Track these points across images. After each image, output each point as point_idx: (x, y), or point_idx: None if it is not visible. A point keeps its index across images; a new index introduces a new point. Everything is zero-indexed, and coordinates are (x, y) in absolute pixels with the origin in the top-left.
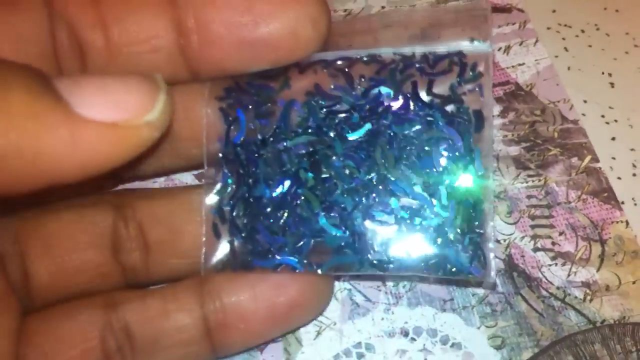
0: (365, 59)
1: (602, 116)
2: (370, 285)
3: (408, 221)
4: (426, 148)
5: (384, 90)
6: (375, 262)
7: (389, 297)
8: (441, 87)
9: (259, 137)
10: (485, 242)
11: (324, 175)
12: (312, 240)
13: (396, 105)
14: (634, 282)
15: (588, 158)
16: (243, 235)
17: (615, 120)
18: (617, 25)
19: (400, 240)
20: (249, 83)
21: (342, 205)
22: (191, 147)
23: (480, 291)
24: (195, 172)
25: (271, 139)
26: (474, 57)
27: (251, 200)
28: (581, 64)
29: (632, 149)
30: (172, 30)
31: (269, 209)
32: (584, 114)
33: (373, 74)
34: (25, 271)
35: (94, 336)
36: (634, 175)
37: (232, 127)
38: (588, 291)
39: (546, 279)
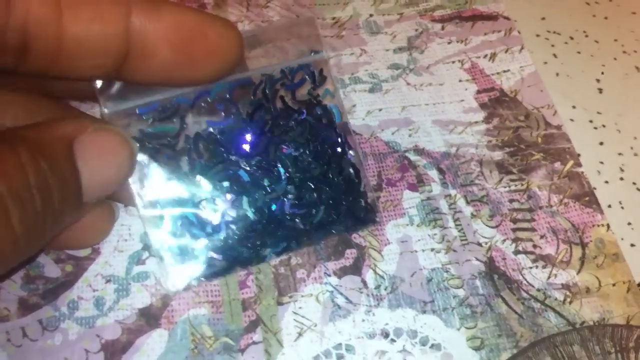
0: (240, 84)
1: (590, 121)
2: (352, 287)
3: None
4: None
5: (263, 108)
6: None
7: (371, 299)
8: (302, 94)
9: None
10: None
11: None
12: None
13: (275, 118)
14: (614, 285)
15: (570, 163)
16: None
17: (603, 125)
18: (606, 32)
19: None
20: (149, 134)
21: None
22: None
23: (461, 293)
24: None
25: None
26: (317, 64)
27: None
28: (570, 70)
29: (619, 153)
30: (122, 41)
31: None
32: (572, 119)
33: (250, 96)
34: None
35: None
36: (621, 179)
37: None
38: (568, 293)
39: (527, 281)
